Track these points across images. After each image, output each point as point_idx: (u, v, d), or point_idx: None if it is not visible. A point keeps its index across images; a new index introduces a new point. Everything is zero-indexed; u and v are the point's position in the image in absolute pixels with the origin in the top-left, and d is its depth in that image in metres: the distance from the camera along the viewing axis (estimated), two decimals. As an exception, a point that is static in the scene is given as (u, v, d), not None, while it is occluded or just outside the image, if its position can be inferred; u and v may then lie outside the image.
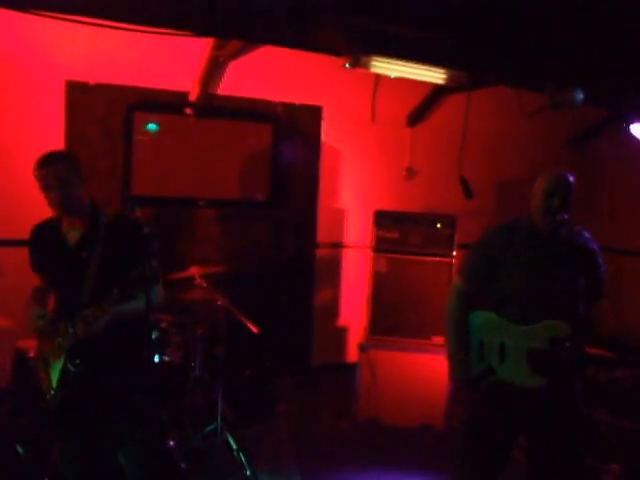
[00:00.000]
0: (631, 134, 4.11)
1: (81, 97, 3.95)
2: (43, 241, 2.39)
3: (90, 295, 2.23)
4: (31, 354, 3.07)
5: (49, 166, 2.24)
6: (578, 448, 2.48)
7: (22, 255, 3.89)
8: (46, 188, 2.24)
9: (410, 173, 5.12)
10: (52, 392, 2.24)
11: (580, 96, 2.93)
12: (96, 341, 2.21)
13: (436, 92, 4.75)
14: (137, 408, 2.35)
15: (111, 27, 2.83)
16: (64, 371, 2.21)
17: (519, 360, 2.37)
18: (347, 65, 2.67)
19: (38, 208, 3.90)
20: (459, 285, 2.60)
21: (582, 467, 2.60)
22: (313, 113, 4.72)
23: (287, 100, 4.61)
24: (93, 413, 2.27)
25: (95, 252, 2.25)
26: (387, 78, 3.54)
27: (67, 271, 2.29)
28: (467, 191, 4.33)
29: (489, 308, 2.49)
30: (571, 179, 2.40)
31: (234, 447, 3.37)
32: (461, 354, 2.49)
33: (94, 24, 2.85)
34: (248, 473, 3.26)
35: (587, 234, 2.53)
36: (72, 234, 2.32)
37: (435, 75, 2.86)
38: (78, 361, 2.21)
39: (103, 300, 2.16)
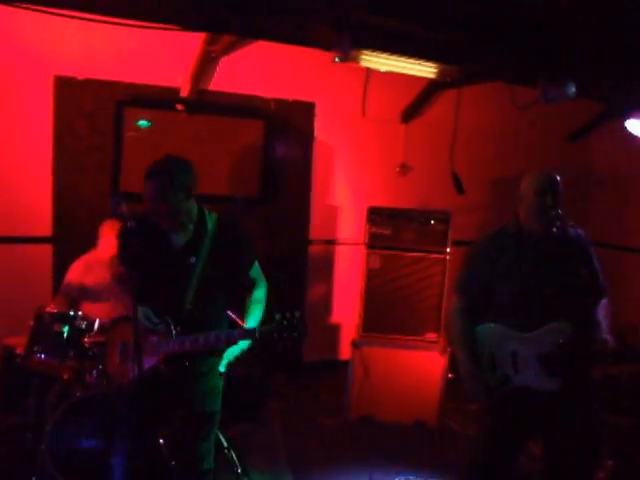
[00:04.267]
0: (626, 129, 4.10)
1: (70, 92, 3.92)
2: (142, 237, 2.27)
3: (193, 301, 2.26)
4: (19, 350, 3.06)
5: (148, 179, 2.22)
6: (594, 447, 2.48)
7: (6, 252, 3.90)
8: (146, 199, 2.23)
9: (404, 169, 5.09)
10: (127, 380, 2.25)
11: (572, 90, 2.91)
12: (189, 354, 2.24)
13: (430, 88, 4.72)
14: (208, 408, 2.39)
15: (98, 21, 2.82)
16: (154, 370, 2.22)
17: (532, 366, 2.38)
18: (336, 59, 2.65)
19: (25, 205, 3.93)
20: (457, 302, 2.59)
21: (597, 465, 2.60)
22: (306, 109, 4.69)
23: (280, 96, 4.58)
24: (159, 408, 2.34)
25: (202, 258, 2.25)
26: (381, 74, 3.52)
27: (172, 274, 2.27)
28: (458, 186, 4.31)
29: (493, 319, 2.48)
30: (557, 176, 2.42)
31: (225, 445, 3.35)
32: (475, 370, 2.47)
33: (81, 18, 2.84)
34: (239, 471, 3.24)
35: (579, 229, 2.53)
36: (177, 237, 2.30)
37: (426, 69, 2.84)
38: (171, 365, 2.23)
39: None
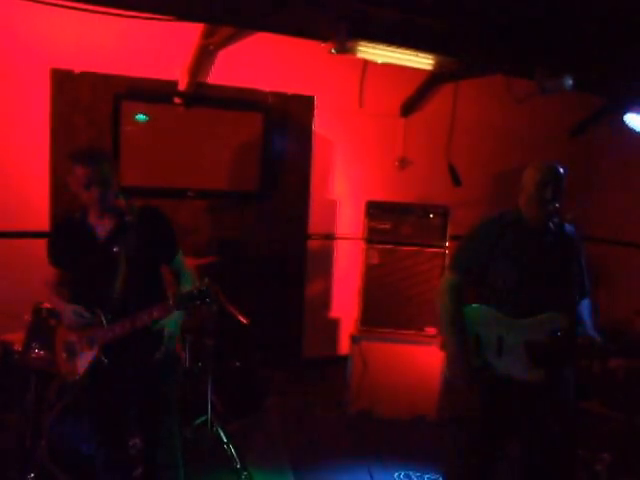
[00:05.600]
0: (626, 124, 4.07)
1: (67, 86, 3.88)
2: (70, 237, 2.40)
3: (121, 289, 2.29)
4: (16, 347, 3.05)
5: (94, 164, 2.24)
6: (572, 437, 2.51)
7: (3, 247, 3.88)
8: (86, 185, 2.25)
9: (403, 163, 5.07)
10: (77, 377, 2.35)
11: (569, 82, 2.90)
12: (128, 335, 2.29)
13: (430, 81, 4.69)
14: (159, 393, 2.45)
15: (94, 12, 2.79)
16: (96, 362, 2.30)
17: (517, 353, 2.37)
18: (333, 50, 2.63)
19: (22, 199, 3.90)
20: (449, 279, 2.58)
21: (575, 455, 2.62)
22: (305, 103, 4.65)
23: (279, 89, 4.55)
24: (116, 398, 2.40)
25: (125, 246, 2.29)
26: (380, 68, 3.50)
27: (99, 266, 2.33)
28: (455, 178, 4.29)
29: (484, 302, 2.48)
30: (561, 170, 2.40)
31: (224, 440, 3.35)
32: (460, 350, 2.46)
33: (77, 8, 2.81)
34: (238, 466, 3.25)
35: (572, 225, 2.54)
36: (101, 229, 2.36)
37: (423, 61, 2.81)
38: (110, 354, 2.30)
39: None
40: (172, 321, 2.40)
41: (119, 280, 2.29)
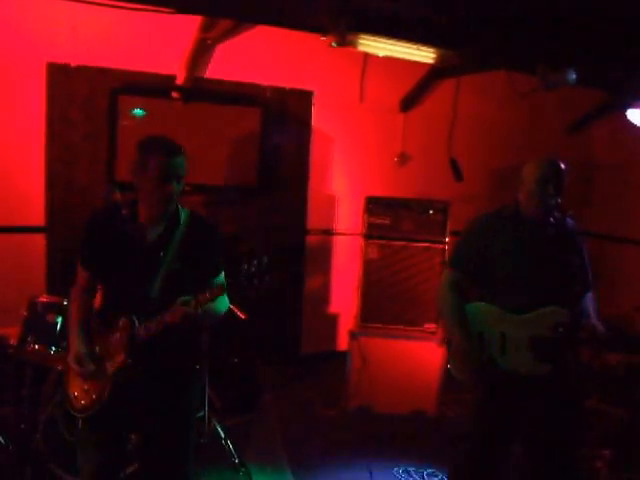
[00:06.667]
0: (627, 120, 4.06)
1: (63, 80, 3.85)
2: (113, 233, 2.15)
3: (159, 292, 2.11)
4: (12, 341, 3.03)
5: (175, 157, 2.06)
6: (578, 432, 2.52)
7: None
8: (162, 179, 2.03)
9: (403, 159, 5.05)
10: (105, 396, 2.10)
11: (573, 76, 2.88)
12: (157, 345, 2.08)
13: (430, 76, 4.67)
14: (181, 410, 2.26)
15: (90, 3, 2.76)
16: (122, 368, 2.09)
17: (521, 349, 2.36)
18: (333, 44, 2.60)
19: (18, 194, 3.87)
20: (449, 275, 2.57)
21: (580, 450, 2.61)
22: (304, 98, 4.63)
23: (278, 84, 4.52)
24: (135, 411, 2.18)
25: (170, 252, 2.13)
26: (380, 63, 3.47)
27: (141, 268, 2.13)
28: (457, 173, 4.27)
29: (484, 299, 2.47)
30: (562, 165, 2.39)
31: (222, 436, 3.34)
32: (465, 343, 2.44)
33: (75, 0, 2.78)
34: (236, 461, 3.23)
35: (572, 220, 2.53)
36: (150, 230, 2.16)
37: (424, 54, 2.78)
38: (138, 358, 2.08)
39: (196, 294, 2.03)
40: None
41: (157, 284, 2.10)
